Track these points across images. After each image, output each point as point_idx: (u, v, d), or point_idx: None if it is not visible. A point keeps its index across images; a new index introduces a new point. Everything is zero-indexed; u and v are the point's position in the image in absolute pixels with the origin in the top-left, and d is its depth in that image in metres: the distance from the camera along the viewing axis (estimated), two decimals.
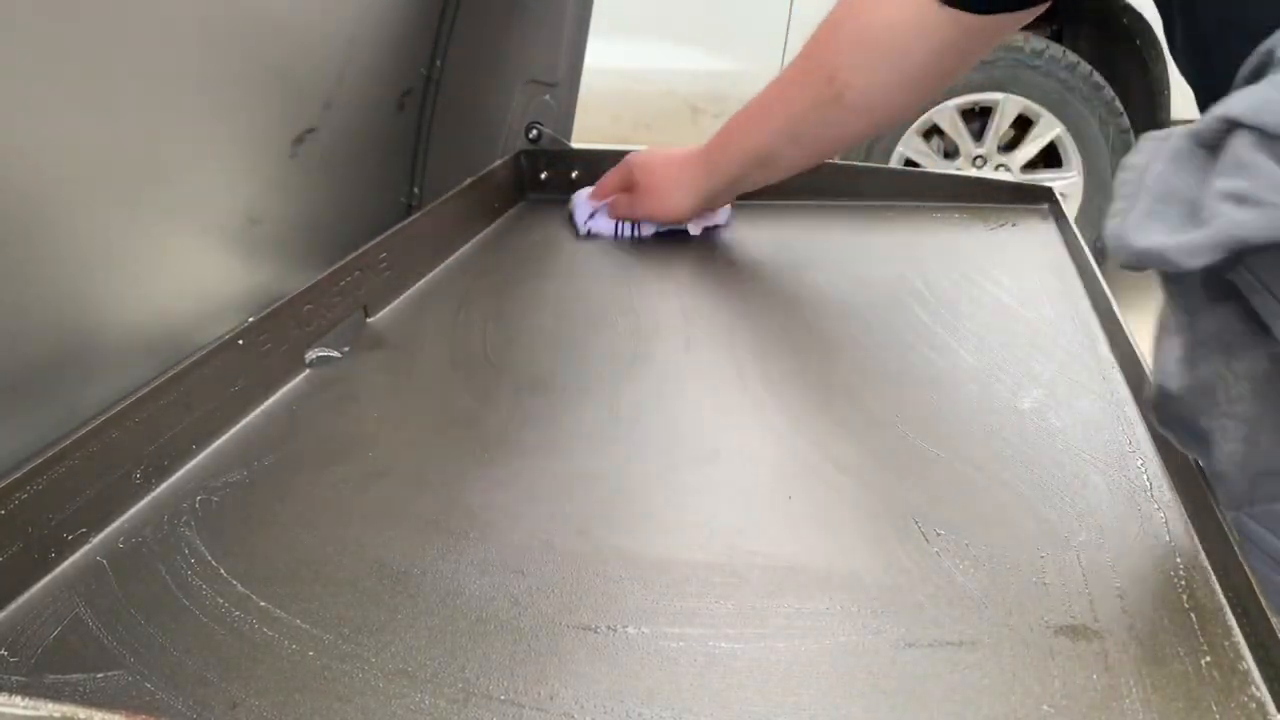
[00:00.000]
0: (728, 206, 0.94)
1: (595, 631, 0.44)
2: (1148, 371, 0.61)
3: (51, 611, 0.46)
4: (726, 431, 0.60)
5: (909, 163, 2.53)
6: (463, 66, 0.98)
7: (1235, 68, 0.43)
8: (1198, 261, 0.37)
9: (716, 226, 0.95)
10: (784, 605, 0.45)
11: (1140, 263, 0.39)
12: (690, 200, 0.88)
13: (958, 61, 0.74)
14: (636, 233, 0.94)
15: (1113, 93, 2.44)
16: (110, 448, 0.52)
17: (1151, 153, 0.41)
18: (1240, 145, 0.37)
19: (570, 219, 0.97)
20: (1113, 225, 0.40)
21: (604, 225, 0.95)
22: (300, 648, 0.43)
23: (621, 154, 1.04)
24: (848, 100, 0.75)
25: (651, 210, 0.91)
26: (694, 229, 0.93)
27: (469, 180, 0.94)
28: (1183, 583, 0.46)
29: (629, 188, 0.92)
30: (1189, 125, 0.40)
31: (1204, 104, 0.50)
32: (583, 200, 0.97)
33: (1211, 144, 0.38)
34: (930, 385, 0.64)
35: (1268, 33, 0.41)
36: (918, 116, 2.46)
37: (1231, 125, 0.38)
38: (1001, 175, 2.51)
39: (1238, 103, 0.38)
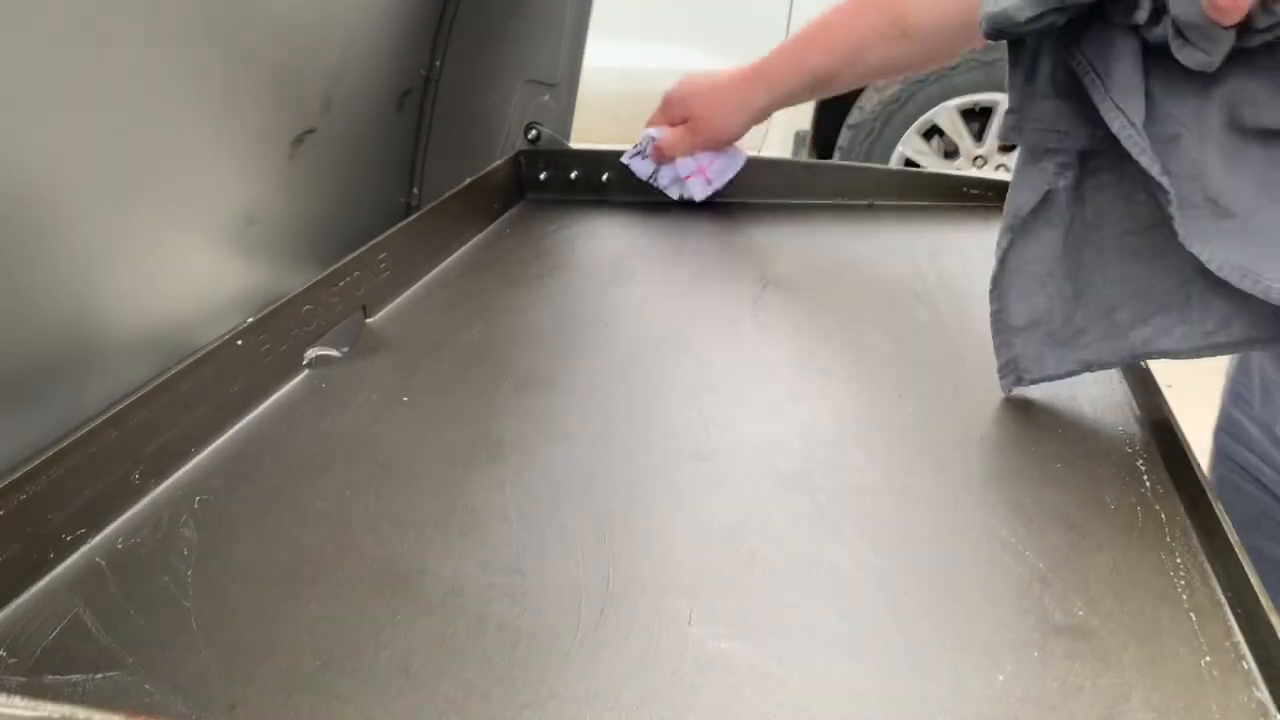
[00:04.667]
0: (743, 155, 1.02)
1: (595, 631, 0.44)
2: (1148, 371, 0.62)
3: (51, 612, 0.46)
4: (726, 430, 0.60)
5: (909, 163, 2.53)
6: (463, 66, 0.98)
7: None
8: (1028, 12, 0.49)
9: (725, 182, 1.02)
10: (784, 605, 0.45)
11: (992, 25, 0.50)
12: (744, 118, 0.94)
13: None
14: (681, 191, 1.01)
15: None
16: (109, 448, 0.52)
17: None
18: None
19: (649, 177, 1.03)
20: (980, 11, 0.52)
21: (644, 170, 1.02)
22: (300, 648, 0.43)
23: (621, 154, 1.04)
24: (914, 37, 0.83)
25: (709, 135, 0.96)
26: (700, 193, 1.01)
27: (468, 180, 0.94)
28: (1183, 583, 0.46)
29: (678, 123, 0.97)
30: None
31: None
32: (642, 158, 1.02)
33: None
34: (930, 384, 0.64)
35: None
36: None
37: None
38: (1001, 175, 2.51)
39: None
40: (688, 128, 0.97)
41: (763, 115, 0.94)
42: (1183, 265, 0.52)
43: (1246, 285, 0.49)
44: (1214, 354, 0.55)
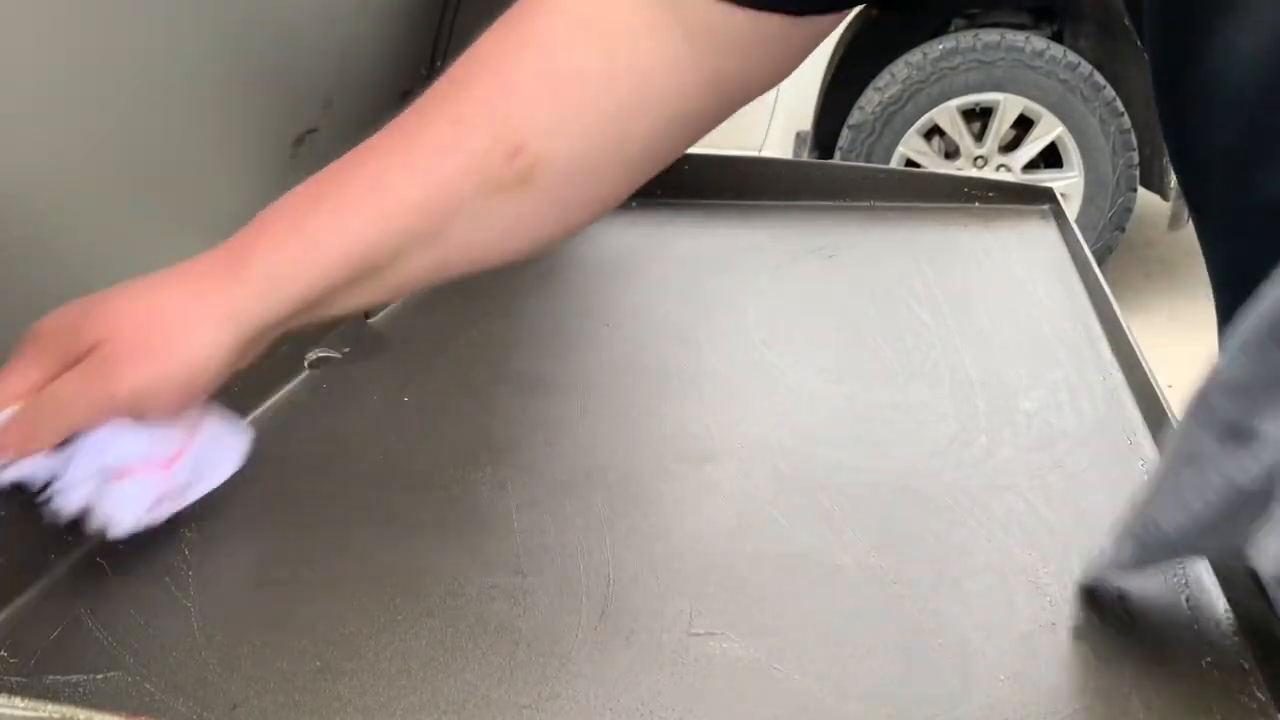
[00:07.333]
0: (240, 439, 0.51)
1: (595, 632, 0.44)
2: (1148, 371, 0.61)
3: (51, 612, 0.46)
4: (727, 431, 0.60)
5: (909, 163, 2.53)
6: None
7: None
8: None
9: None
10: (785, 605, 0.45)
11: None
12: (223, 338, 0.44)
13: (709, 124, 0.48)
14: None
15: (1113, 93, 2.44)
16: None
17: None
18: None
19: None
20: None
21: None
22: (300, 648, 0.43)
23: None
24: (540, 180, 0.45)
25: (150, 374, 0.43)
26: (148, 515, 0.47)
27: None
28: (1183, 583, 0.46)
29: (77, 358, 0.44)
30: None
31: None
32: None
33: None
34: (931, 385, 0.64)
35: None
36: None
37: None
38: (1002, 175, 2.51)
39: None
40: (94, 364, 0.43)
41: (259, 333, 0.45)
42: None
43: None
44: None
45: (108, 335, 0.43)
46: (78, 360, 0.44)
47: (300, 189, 0.47)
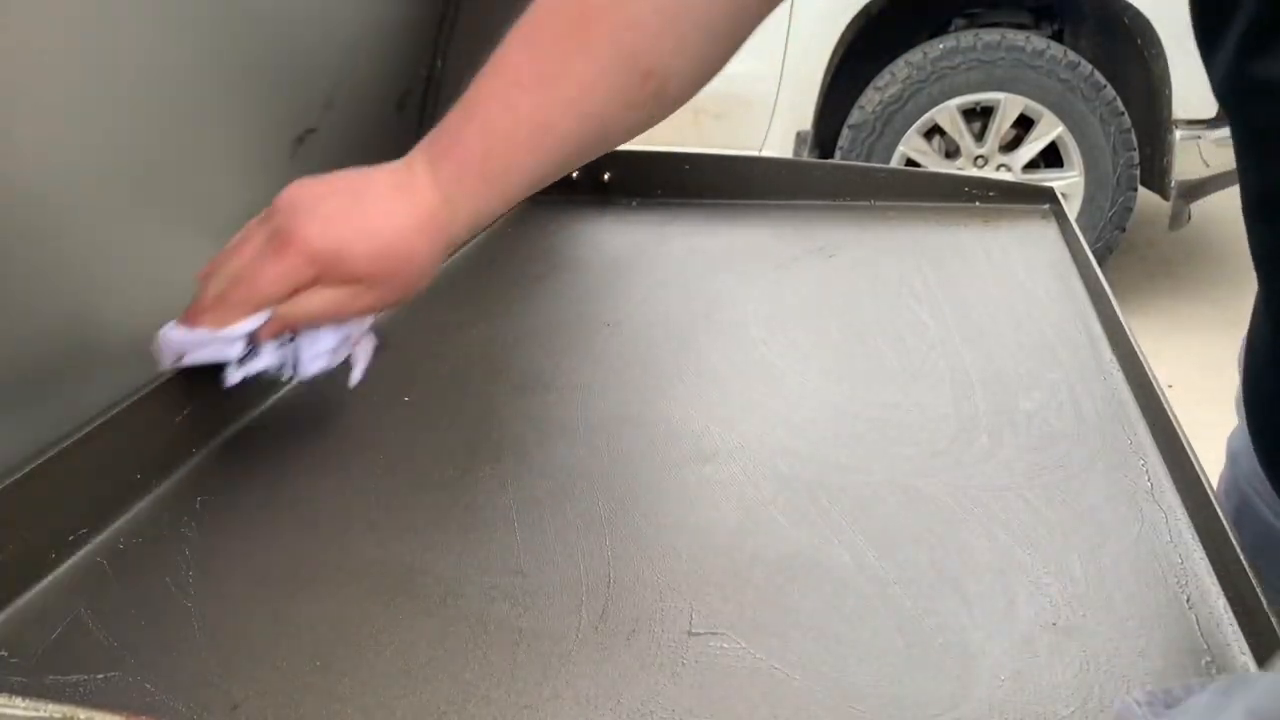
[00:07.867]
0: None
1: (595, 632, 0.44)
2: (1148, 371, 0.62)
3: (52, 612, 0.46)
4: (727, 431, 0.60)
5: (910, 162, 2.53)
6: (463, 66, 0.97)
7: None
8: None
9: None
10: (785, 605, 0.45)
11: None
12: (439, 258, 0.58)
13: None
14: (294, 369, 0.58)
15: (1114, 92, 2.44)
16: (110, 448, 0.52)
17: None
18: None
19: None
20: None
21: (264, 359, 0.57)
22: (300, 648, 0.43)
23: (622, 154, 1.03)
24: (669, 93, 0.57)
25: (400, 297, 0.59)
26: (357, 373, 0.62)
27: None
28: (1183, 583, 0.46)
29: (317, 279, 0.55)
30: None
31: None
32: (188, 335, 0.56)
33: None
34: (931, 385, 0.64)
35: None
36: None
37: None
38: (1003, 175, 2.51)
39: None
40: (358, 291, 0.57)
41: (453, 247, 0.59)
42: None
43: None
44: None
45: (374, 277, 0.56)
46: (339, 283, 0.56)
47: (472, 135, 0.56)
